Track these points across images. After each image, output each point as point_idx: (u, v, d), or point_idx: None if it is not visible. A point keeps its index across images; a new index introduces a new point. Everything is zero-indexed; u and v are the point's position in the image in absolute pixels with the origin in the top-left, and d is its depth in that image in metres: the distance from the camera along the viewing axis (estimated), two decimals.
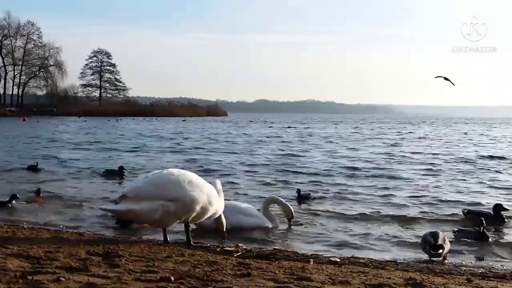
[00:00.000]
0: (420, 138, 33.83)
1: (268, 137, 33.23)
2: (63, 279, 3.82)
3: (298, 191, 9.70)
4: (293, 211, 7.51)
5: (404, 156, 19.13)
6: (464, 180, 12.62)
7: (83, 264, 4.37)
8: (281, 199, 7.75)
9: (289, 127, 52.81)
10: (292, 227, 7.37)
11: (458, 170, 14.54)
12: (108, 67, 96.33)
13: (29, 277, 3.82)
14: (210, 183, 5.99)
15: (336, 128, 52.42)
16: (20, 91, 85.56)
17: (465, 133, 42.81)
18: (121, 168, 12.42)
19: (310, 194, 9.79)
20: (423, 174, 13.60)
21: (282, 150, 21.93)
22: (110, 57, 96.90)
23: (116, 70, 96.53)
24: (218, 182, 6.16)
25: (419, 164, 16.33)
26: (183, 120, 69.61)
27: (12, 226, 6.59)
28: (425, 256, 5.92)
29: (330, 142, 28.38)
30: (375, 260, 5.59)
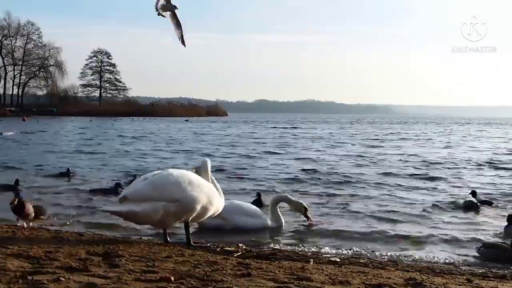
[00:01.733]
0: (402, 139, 33.39)
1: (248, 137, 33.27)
2: (63, 279, 3.82)
3: (258, 194, 8.95)
4: (306, 205, 7.50)
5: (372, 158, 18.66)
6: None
7: (83, 264, 4.37)
8: (290, 196, 7.73)
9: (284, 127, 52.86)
10: (293, 226, 7.36)
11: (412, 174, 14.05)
12: (108, 67, 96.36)
13: (29, 277, 3.82)
14: (199, 165, 6.09)
15: (328, 128, 51.97)
16: (20, 91, 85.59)
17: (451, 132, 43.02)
18: None
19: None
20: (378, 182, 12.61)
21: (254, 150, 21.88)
22: (110, 57, 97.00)
23: (116, 70, 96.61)
24: (208, 162, 6.12)
25: (382, 167, 15.79)
26: (185, 120, 69.52)
27: (12, 226, 6.59)
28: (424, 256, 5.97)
29: (305, 143, 27.77)
30: (375, 260, 5.60)
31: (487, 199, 9.43)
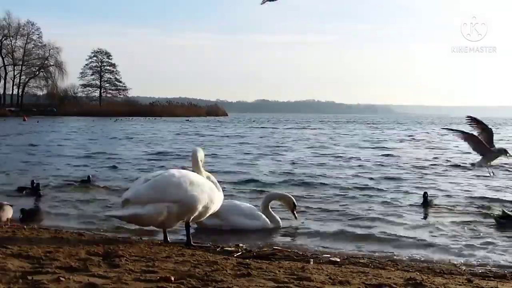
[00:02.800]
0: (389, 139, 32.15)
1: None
2: (63, 279, 3.82)
3: None
4: (295, 200, 7.42)
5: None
6: None
7: (83, 264, 4.37)
8: (279, 192, 7.69)
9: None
10: (293, 227, 7.36)
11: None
12: (108, 67, 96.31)
13: (29, 277, 3.82)
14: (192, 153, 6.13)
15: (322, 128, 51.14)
16: (20, 91, 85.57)
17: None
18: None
19: None
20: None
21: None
22: (110, 57, 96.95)
23: (116, 70, 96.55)
24: (201, 151, 6.14)
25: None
26: (186, 120, 69.47)
27: (12, 226, 6.58)
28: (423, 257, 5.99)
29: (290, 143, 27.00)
30: (375, 260, 5.60)
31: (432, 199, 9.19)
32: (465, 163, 15.95)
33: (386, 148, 24.25)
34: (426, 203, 8.78)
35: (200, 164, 6.05)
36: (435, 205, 8.91)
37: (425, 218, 8.18)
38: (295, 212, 7.40)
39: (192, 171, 5.98)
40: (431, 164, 16.33)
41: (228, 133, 38.79)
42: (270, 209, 7.34)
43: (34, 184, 9.75)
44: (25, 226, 6.61)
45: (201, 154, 6.14)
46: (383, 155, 19.86)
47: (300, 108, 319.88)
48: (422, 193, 9.26)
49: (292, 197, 7.46)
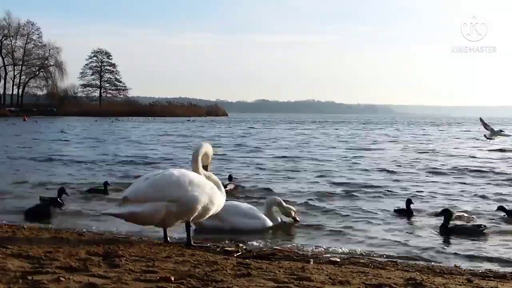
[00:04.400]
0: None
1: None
2: (63, 279, 3.82)
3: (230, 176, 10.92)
4: (294, 208, 7.47)
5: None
6: None
7: (83, 264, 4.37)
8: (281, 200, 7.63)
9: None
10: (293, 227, 7.36)
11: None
12: (108, 67, 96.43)
13: (29, 277, 3.82)
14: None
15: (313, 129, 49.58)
16: (20, 91, 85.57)
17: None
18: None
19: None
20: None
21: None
22: (110, 57, 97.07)
23: (116, 70, 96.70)
24: (204, 147, 6.07)
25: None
26: (187, 120, 69.43)
27: (12, 226, 6.59)
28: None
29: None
30: (375, 260, 5.60)
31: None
32: (443, 167, 15.67)
33: (370, 149, 23.54)
34: (410, 210, 8.39)
35: (200, 164, 5.97)
36: (420, 210, 8.64)
37: (414, 223, 7.91)
38: (295, 216, 7.45)
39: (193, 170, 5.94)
40: (415, 167, 15.71)
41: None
42: (272, 211, 7.39)
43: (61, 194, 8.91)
44: (25, 226, 6.61)
45: (203, 150, 6.05)
46: (364, 156, 19.44)
47: (300, 108, 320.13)
48: (405, 200, 8.69)
49: (291, 207, 7.52)
